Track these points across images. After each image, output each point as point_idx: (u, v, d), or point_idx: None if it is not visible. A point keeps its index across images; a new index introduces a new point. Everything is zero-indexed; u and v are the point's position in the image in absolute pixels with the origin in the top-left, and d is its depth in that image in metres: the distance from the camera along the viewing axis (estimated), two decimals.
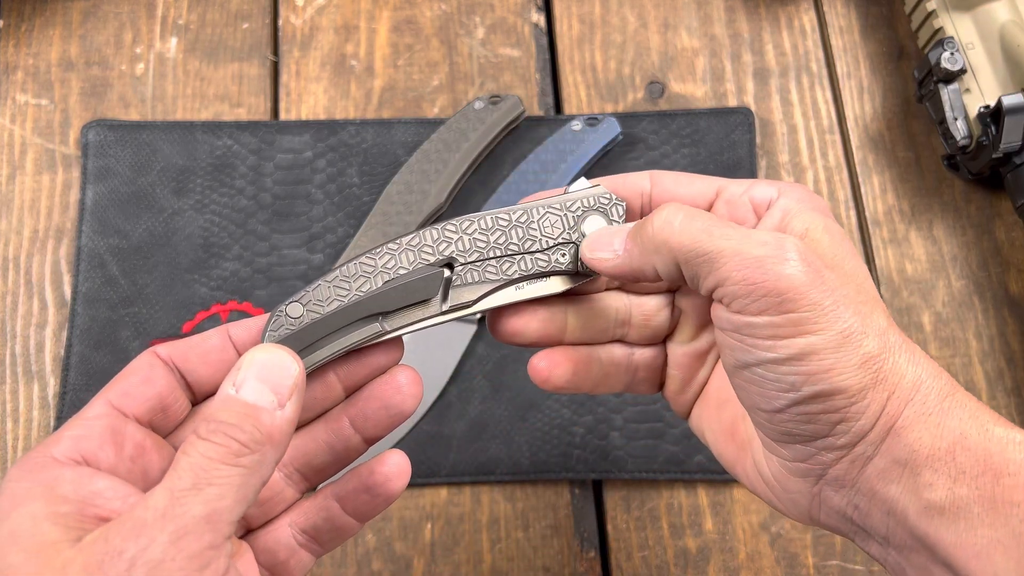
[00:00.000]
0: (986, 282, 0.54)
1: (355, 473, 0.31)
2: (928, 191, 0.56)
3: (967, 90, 0.53)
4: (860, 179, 0.56)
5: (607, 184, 0.33)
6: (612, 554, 0.49)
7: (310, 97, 0.57)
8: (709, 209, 0.32)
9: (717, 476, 0.49)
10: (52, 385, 0.50)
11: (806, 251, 0.27)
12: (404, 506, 0.49)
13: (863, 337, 0.27)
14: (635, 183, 0.33)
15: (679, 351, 0.34)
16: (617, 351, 0.34)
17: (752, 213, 0.31)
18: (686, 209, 0.29)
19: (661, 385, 0.35)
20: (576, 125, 0.54)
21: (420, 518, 0.49)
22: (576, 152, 0.54)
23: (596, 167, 0.55)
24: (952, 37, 0.52)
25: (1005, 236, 0.55)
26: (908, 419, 0.27)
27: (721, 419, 0.33)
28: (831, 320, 0.27)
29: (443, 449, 0.49)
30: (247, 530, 0.31)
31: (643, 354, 0.35)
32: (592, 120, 0.54)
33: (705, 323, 0.34)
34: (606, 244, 0.30)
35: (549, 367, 0.32)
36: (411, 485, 0.49)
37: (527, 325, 0.32)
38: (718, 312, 0.28)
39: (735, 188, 0.32)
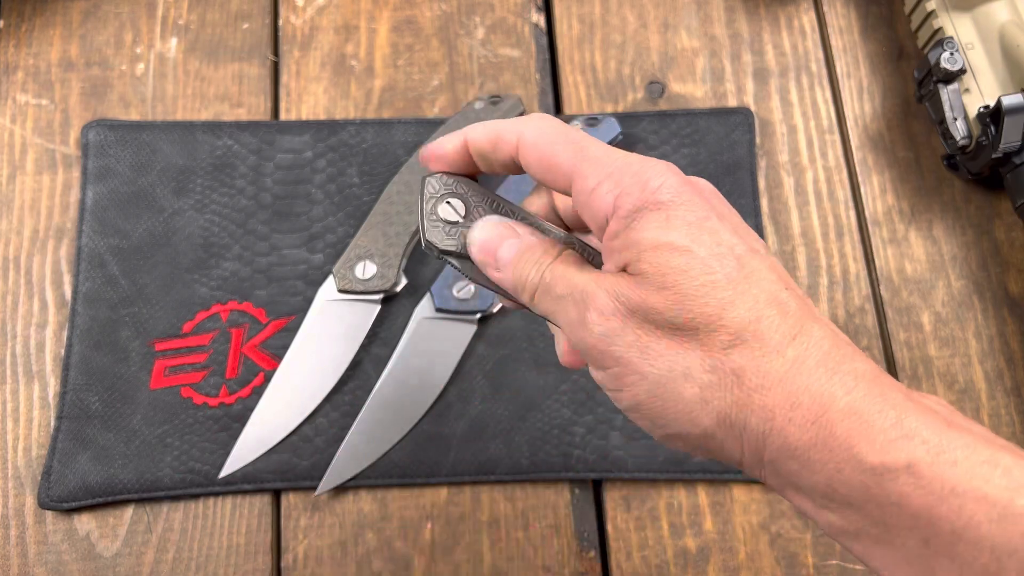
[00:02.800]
0: (986, 282, 0.54)
1: None
2: (928, 191, 0.56)
3: (967, 90, 0.53)
4: (860, 179, 0.57)
5: (477, 130, 0.32)
6: (612, 554, 0.49)
7: (310, 97, 0.58)
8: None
9: (717, 476, 0.49)
10: (52, 385, 0.50)
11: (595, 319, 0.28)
12: (404, 506, 0.49)
13: (688, 377, 0.26)
14: (506, 136, 0.31)
15: None
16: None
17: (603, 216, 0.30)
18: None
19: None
20: (576, 125, 0.54)
21: (420, 518, 0.49)
22: None
23: None
24: (952, 37, 0.52)
25: (1005, 236, 0.55)
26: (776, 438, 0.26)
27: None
28: (646, 368, 0.27)
29: (443, 449, 0.49)
30: None
31: None
32: (592, 120, 0.54)
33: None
34: (490, 252, 0.31)
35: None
36: (411, 485, 0.49)
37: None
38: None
39: (590, 180, 0.30)
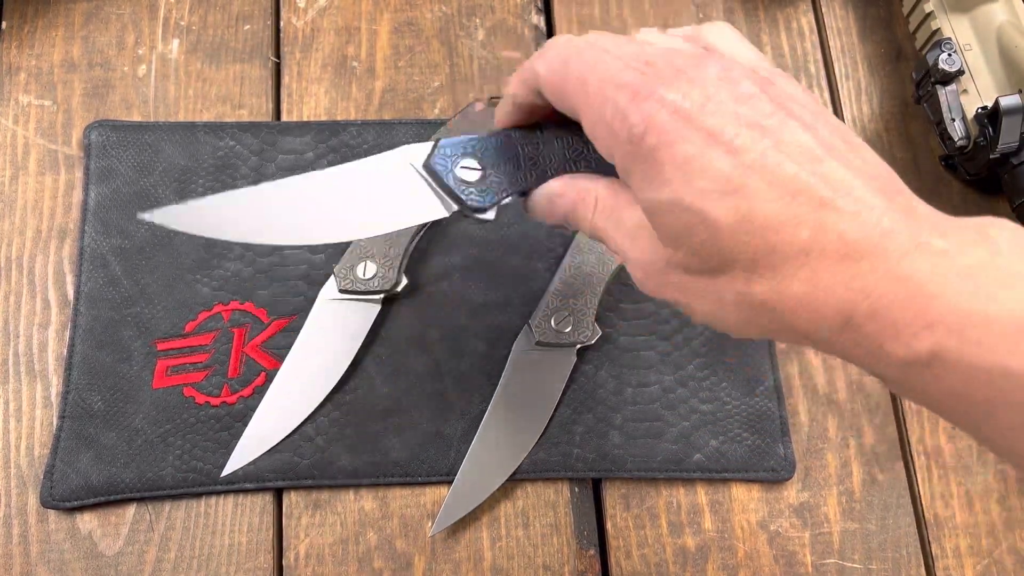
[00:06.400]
0: None
1: None
2: (926, 192, 0.56)
3: (965, 91, 0.53)
4: None
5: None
6: (611, 552, 0.49)
7: (311, 98, 0.58)
8: None
9: (716, 475, 0.49)
10: (55, 384, 0.51)
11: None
12: (405, 504, 0.49)
13: (727, 309, 0.29)
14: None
15: None
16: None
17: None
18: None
19: None
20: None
21: (421, 516, 0.49)
22: None
23: None
24: (950, 38, 0.53)
25: None
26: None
27: None
28: (694, 311, 0.30)
29: (443, 448, 0.49)
30: None
31: None
32: None
33: None
34: (555, 214, 0.35)
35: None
36: (412, 484, 0.49)
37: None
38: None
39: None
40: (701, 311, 0.30)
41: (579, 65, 0.30)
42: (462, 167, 0.34)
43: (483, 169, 0.34)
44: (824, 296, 0.26)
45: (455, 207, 0.34)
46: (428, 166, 0.34)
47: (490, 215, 0.34)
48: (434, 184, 0.34)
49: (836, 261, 0.26)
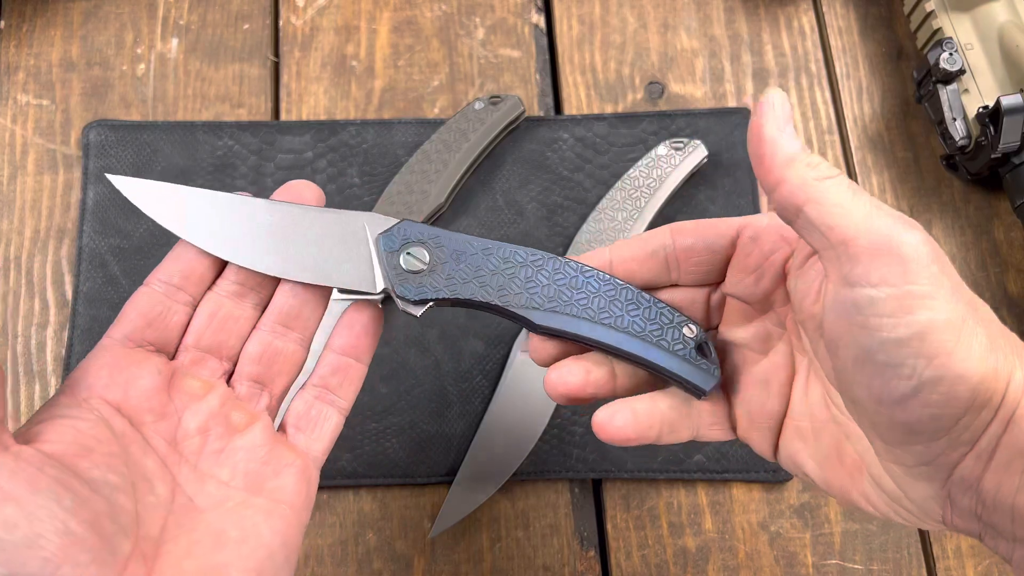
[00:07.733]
0: (985, 282, 0.54)
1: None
2: (927, 191, 0.56)
3: (966, 90, 0.53)
4: (859, 179, 0.57)
5: (626, 247, 0.34)
6: (612, 553, 0.49)
7: (311, 97, 0.58)
8: (732, 249, 0.33)
9: (716, 476, 0.49)
10: (53, 385, 0.50)
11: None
12: (405, 505, 0.49)
13: (977, 325, 0.26)
14: (658, 240, 0.34)
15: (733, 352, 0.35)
16: (679, 394, 0.34)
17: (785, 243, 0.32)
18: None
19: (734, 429, 0.35)
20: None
21: (420, 517, 0.49)
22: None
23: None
24: (951, 38, 0.53)
25: (1004, 236, 0.55)
26: None
27: (821, 446, 0.32)
28: (950, 300, 0.26)
29: (443, 449, 0.49)
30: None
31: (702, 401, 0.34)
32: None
33: (748, 316, 0.34)
34: (779, 132, 0.29)
35: (609, 418, 0.33)
36: (412, 484, 0.49)
37: (583, 387, 0.34)
38: (837, 293, 0.28)
39: (762, 220, 0.33)
40: (947, 309, 0.26)
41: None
42: (408, 254, 0.32)
43: (430, 265, 0.32)
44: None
45: (384, 287, 0.32)
46: (378, 240, 0.33)
47: (415, 311, 0.32)
48: (379, 259, 0.33)
49: None
